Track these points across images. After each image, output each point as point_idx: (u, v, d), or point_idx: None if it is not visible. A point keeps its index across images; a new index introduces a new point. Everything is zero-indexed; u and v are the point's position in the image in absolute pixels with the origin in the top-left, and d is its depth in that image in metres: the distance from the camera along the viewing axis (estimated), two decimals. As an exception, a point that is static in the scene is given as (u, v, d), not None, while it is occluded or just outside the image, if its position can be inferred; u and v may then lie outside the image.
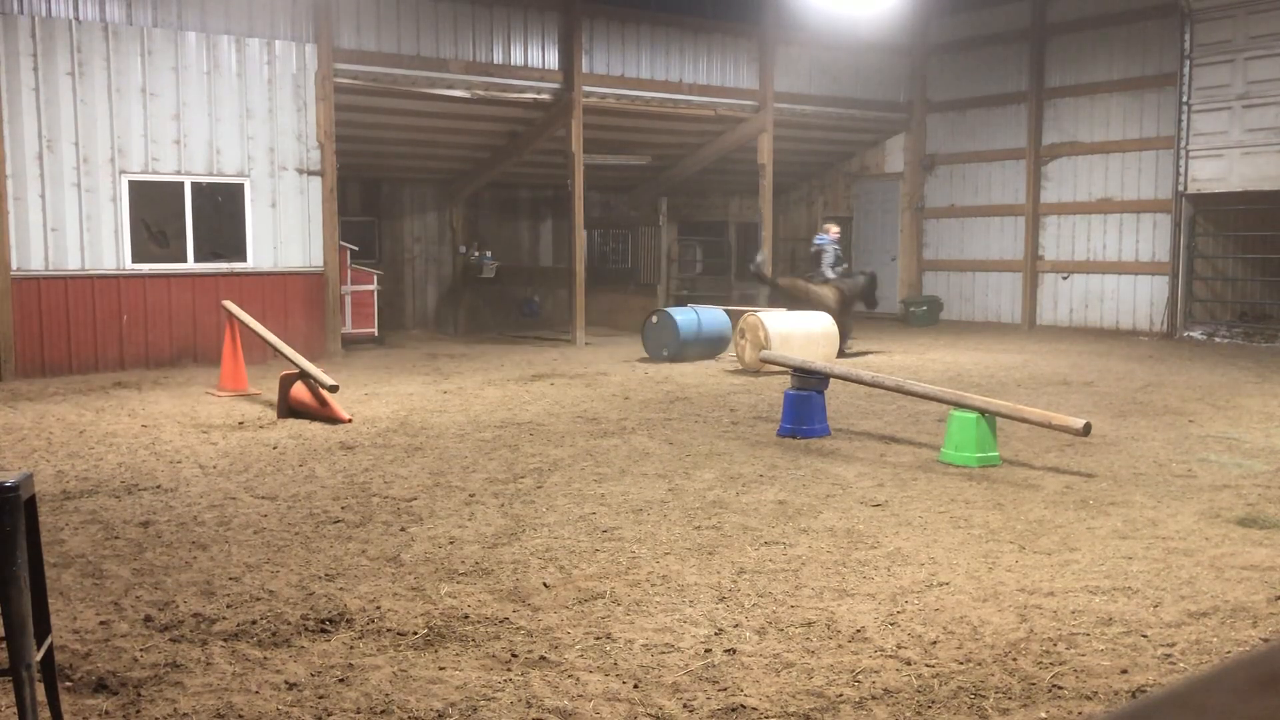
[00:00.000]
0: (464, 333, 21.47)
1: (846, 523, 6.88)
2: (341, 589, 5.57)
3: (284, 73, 15.79)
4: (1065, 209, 21.58)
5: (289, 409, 10.99)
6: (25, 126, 13.94)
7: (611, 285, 23.74)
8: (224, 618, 5.15)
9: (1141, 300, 20.41)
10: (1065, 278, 21.63)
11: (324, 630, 4.99)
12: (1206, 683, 0.95)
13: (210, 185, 15.40)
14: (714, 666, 4.54)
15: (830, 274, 17.52)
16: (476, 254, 22.44)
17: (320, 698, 4.25)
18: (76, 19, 14.25)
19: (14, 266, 13.98)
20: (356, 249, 18.32)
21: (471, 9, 17.85)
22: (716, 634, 4.91)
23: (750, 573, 5.83)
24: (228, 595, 5.48)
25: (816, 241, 18.06)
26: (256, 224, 15.76)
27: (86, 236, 14.44)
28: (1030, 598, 5.39)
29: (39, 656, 3.76)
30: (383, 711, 4.13)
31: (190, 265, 15.32)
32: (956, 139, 23.43)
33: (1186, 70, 18.70)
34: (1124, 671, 4.48)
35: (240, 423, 10.75)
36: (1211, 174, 18.54)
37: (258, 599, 5.42)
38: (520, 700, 4.21)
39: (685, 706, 4.16)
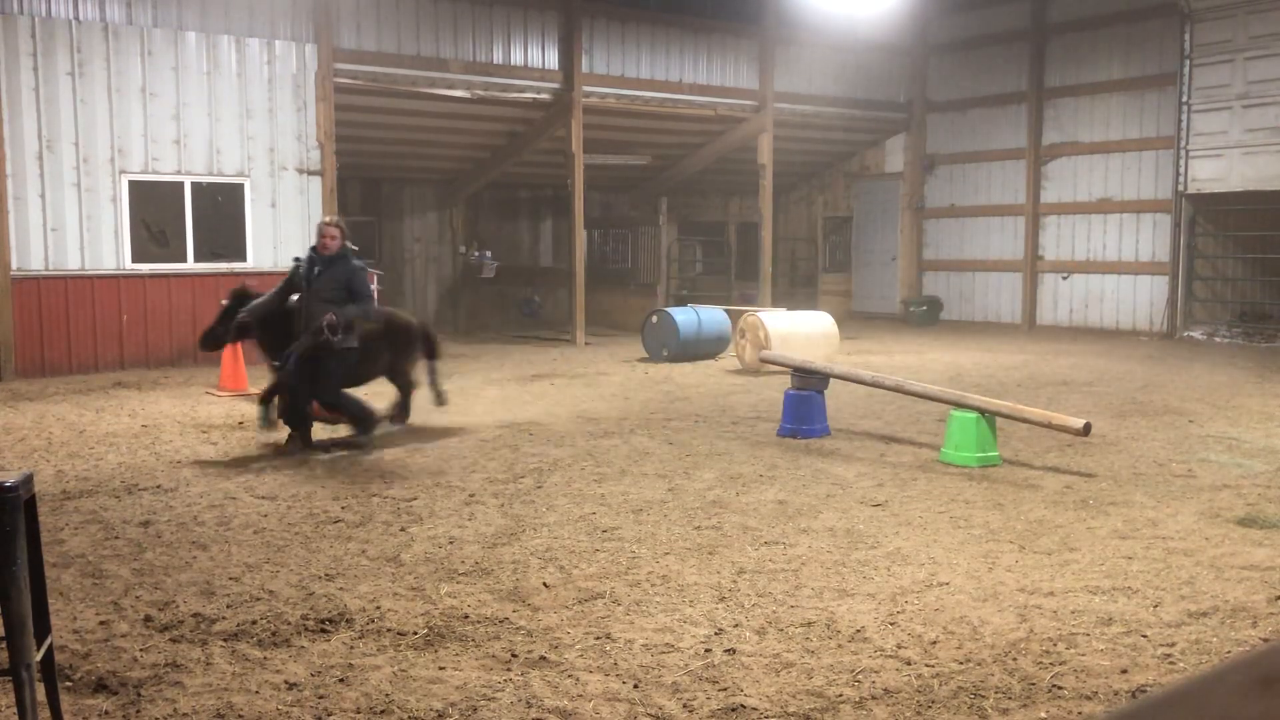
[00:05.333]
0: (464, 333, 21.46)
1: (846, 523, 6.88)
2: (341, 589, 5.57)
3: (284, 73, 15.78)
4: (1065, 209, 21.58)
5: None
6: (25, 126, 13.94)
7: (611, 285, 23.74)
8: (224, 618, 5.14)
9: (1141, 300, 20.41)
10: (1065, 278, 21.63)
11: (324, 630, 4.99)
12: (1206, 683, 0.95)
13: (210, 185, 15.39)
14: (714, 666, 4.54)
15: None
16: (476, 254, 22.44)
17: (320, 698, 4.25)
18: (76, 19, 14.25)
19: (14, 266, 13.97)
20: (356, 249, 18.27)
21: (471, 9, 17.84)
22: (716, 634, 4.91)
23: (750, 573, 5.83)
24: (228, 595, 5.48)
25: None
26: (256, 224, 15.75)
27: (86, 236, 14.44)
28: (1030, 598, 5.39)
29: (39, 656, 3.76)
30: (383, 711, 4.13)
31: (190, 265, 15.31)
32: (956, 139, 23.43)
33: (1186, 70, 18.69)
34: (1124, 671, 4.48)
35: (240, 423, 10.74)
36: (1211, 174, 18.54)
37: (258, 599, 5.42)
38: (520, 700, 4.21)
39: (685, 706, 4.16)
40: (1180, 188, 19.00)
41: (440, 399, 10.41)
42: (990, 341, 19.26)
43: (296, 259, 9.78)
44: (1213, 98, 18.40)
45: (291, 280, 9.60)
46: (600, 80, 19.22)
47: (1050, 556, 6.12)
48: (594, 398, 12.46)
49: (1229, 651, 4.74)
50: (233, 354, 12.92)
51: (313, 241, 9.82)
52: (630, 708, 4.15)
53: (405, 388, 10.32)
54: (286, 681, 4.41)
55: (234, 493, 7.77)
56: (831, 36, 21.82)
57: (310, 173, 16.09)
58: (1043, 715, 4.10)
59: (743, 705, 4.15)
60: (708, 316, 16.59)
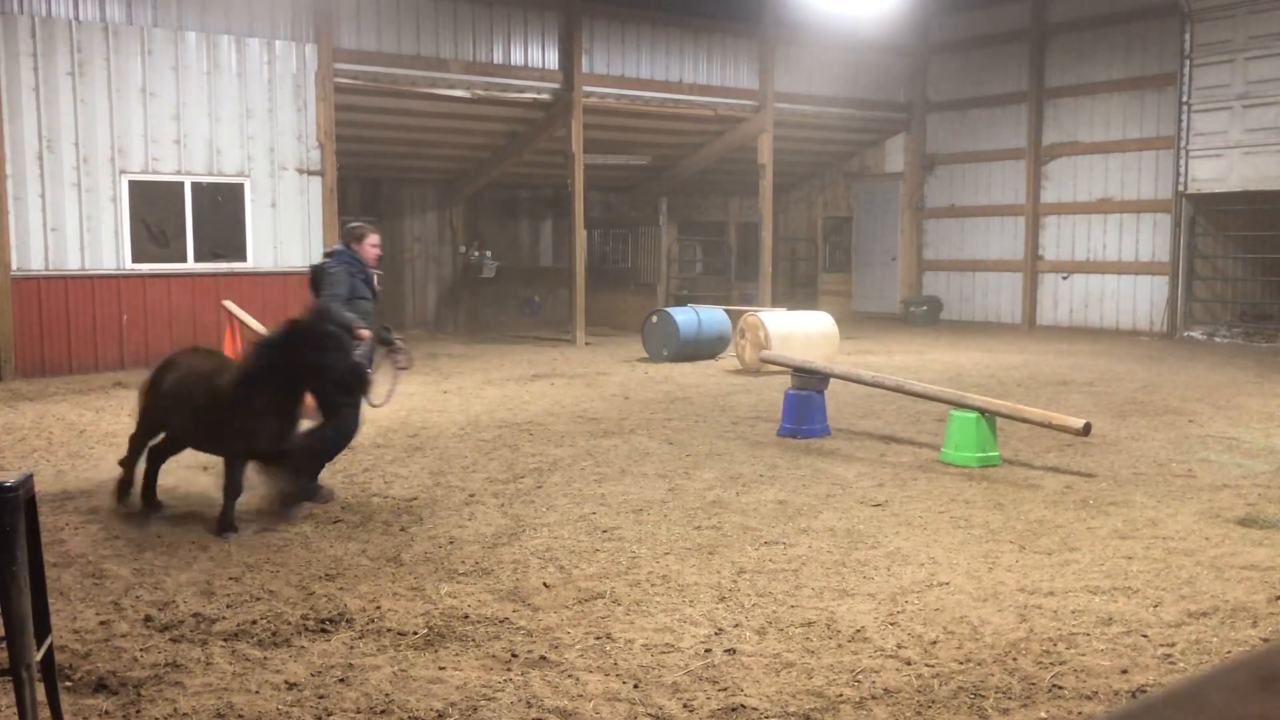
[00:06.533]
0: (464, 333, 21.46)
1: (846, 523, 6.88)
2: (341, 589, 5.57)
3: (284, 73, 15.78)
4: (1065, 209, 21.58)
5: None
6: (25, 126, 13.93)
7: (611, 285, 23.74)
8: (224, 618, 5.14)
9: (1141, 300, 20.41)
10: (1065, 278, 21.63)
11: (324, 630, 4.99)
12: (1206, 683, 0.95)
13: (210, 185, 15.39)
14: (714, 666, 4.54)
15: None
16: (476, 254, 22.44)
17: (320, 698, 4.25)
18: (76, 19, 14.25)
19: (14, 266, 13.97)
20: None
21: (471, 9, 17.84)
22: (716, 634, 4.91)
23: (750, 573, 5.83)
24: (228, 595, 5.48)
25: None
26: (256, 224, 15.75)
27: (86, 236, 14.44)
28: (1030, 598, 5.39)
29: (39, 656, 3.76)
30: (383, 711, 4.13)
31: (190, 265, 15.31)
32: (956, 139, 23.43)
33: (1186, 70, 18.69)
34: (1124, 671, 4.48)
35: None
36: (1211, 174, 18.54)
37: (258, 599, 5.42)
38: (520, 700, 4.21)
39: (685, 706, 4.16)
40: (1180, 188, 19.00)
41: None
42: (990, 341, 19.25)
43: (348, 265, 7.68)
44: (1213, 98, 18.40)
45: (352, 294, 7.59)
46: (600, 80, 19.22)
47: (1050, 556, 6.12)
48: (594, 398, 12.46)
49: (1229, 651, 4.74)
50: (233, 353, 12.90)
51: (349, 246, 7.83)
52: (630, 708, 4.15)
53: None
54: (286, 681, 4.41)
55: (234, 493, 7.76)
56: (832, 36, 21.82)
57: (310, 173, 16.09)
58: (1043, 715, 4.10)
59: (743, 705, 4.15)
60: (708, 316, 16.58)
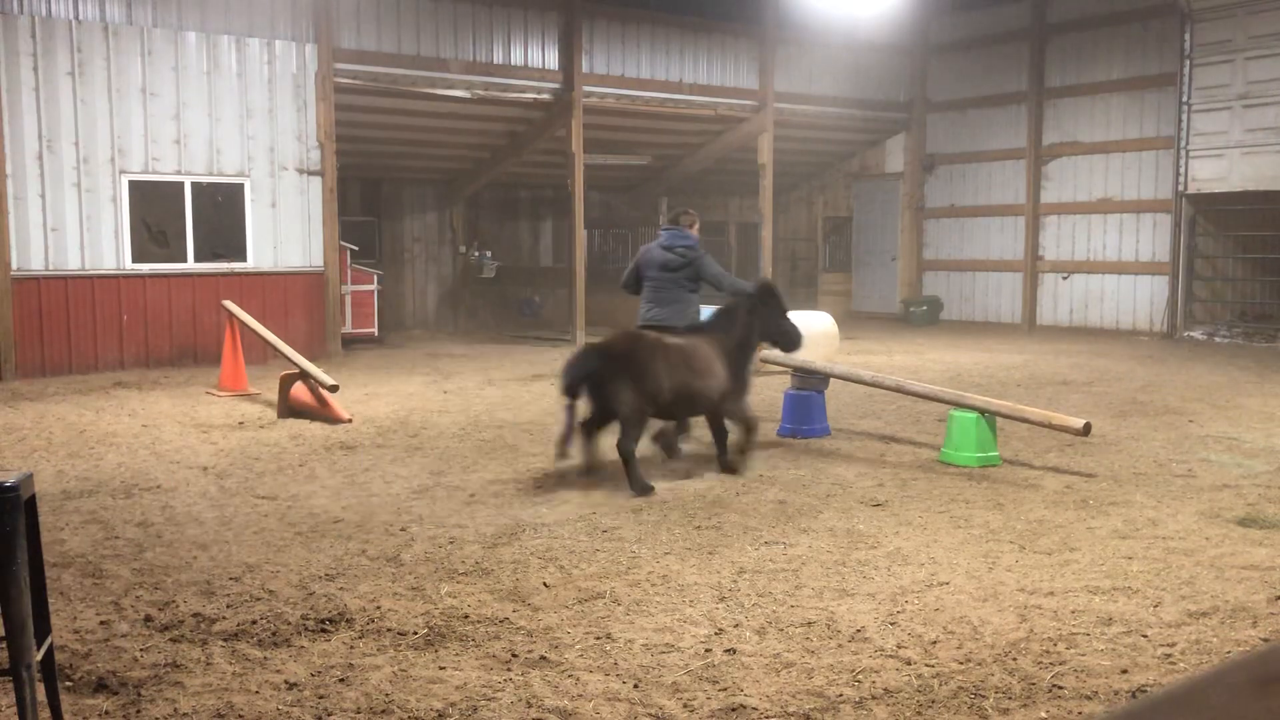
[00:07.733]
0: (464, 333, 21.46)
1: (846, 523, 6.88)
2: (341, 589, 5.57)
3: (284, 73, 15.78)
4: (1065, 209, 21.58)
5: (289, 409, 10.99)
6: (25, 126, 13.94)
7: (611, 285, 23.70)
8: (224, 618, 5.14)
9: (1141, 300, 20.41)
10: (1065, 278, 21.63)
11: (324, 630, 4.99)
12: (1206, 683, 0.95)
13: (210, 185, 15.40)
14: (714, 666, 4.54)
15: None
16: (476, 254, 22.44)
17: (320, 698, 4.25)
18: (76, 19, 14.25)
19: (14, 266, 13.97)
20: (356, 249, 18.31)
21: (471, 9, 17.85)
22: (716, 634, 4.91)
23: (750, 573, 5.83)
24: (228, 595, 5.48)
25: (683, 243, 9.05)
26: (256, 224, 15.75)
27: (86, 236, 14.44)
28: (1030, 598, 5.39)
29: (39, 656, 3.76)
30: (383, 711, 4.13)
31: (190, 265, 15.31)
32: (956, 139, 23.43)
33: (1186, 70, 18.69)
34: (1124, 671, 4.48)
35: (240, 423, 10.74)
36: (1211, 174, 18.54)
37: (258, 599, 5.42)
38: (520, 700, 4.21)
39: (685, 706, 4.16)
40: (1180, 188, 19.00)
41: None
42: (990, 341, 19.26)
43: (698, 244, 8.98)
44: (1213, 98, 18.40)
45: None
46: (600, 80, 19.23)
47: (1050, 556, 6.12)
48: (594, 398, 12.44)
49: (1229, 651, 4.74)
50: (233, 353, 12.91)
51: (683, 229, 9.07)
52: (630, 708, 4.15)
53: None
54: (286, 681, 4.41)
55: (234, 492, 7.78)
56: (832, 36, 21.82)
57: (310, 173, 16.09)
58: (1043, 715, 4.10)
59: (743, 705, 4.15)
60: (708, 316, 16.54)
